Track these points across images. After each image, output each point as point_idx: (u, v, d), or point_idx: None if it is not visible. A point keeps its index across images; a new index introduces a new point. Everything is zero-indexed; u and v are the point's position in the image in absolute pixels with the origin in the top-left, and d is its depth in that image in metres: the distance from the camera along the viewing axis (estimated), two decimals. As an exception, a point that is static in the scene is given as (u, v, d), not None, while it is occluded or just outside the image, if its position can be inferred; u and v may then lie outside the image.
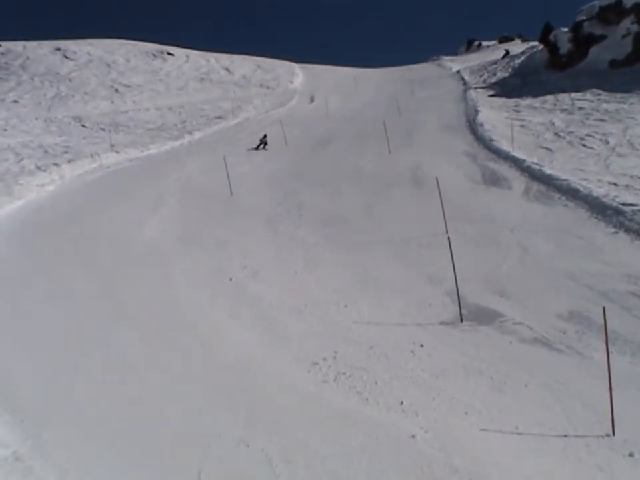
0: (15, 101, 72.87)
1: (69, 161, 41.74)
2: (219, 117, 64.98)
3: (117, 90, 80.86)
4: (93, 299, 19.92)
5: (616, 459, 11.14)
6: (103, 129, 57.37)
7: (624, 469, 10.90)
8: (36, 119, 62.72)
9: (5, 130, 54.81)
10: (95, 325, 17.93)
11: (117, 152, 46.89)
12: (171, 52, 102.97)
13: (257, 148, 47.57)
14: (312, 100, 76.88)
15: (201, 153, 47.22)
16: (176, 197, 33.48)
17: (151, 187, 35.88)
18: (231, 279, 21.23)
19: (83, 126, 59.73)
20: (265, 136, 48.48)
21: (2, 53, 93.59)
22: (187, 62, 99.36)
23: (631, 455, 11.20)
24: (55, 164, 40.26)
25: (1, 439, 12.09)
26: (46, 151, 45.62)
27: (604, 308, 11.71)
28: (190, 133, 56.74)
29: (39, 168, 38.79)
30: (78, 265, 22.95)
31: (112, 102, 74.97)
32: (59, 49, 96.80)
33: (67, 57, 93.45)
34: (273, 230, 26.89)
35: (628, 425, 11.85)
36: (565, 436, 11.85)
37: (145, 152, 48.99)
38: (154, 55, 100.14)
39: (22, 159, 41.62)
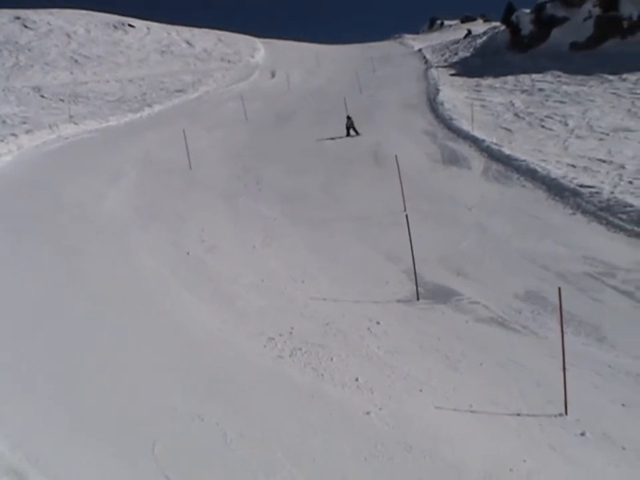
0: (-27, 70, 72.16)
1: (27, 132, 41.37)
2: (180, 90, 64.65)
3: (76, 61, 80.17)
4: (49, 269, 19.75)
5: (568, 438, 11.23)
6: (62, 100, 56.88)
7: (576, 447, 10.99)
8: (-6, 88, 62.14)
9: (-38, 99, 54.32)
10: (50, 295, 17.79)
11: (76, 123, 46.53)
12: (132, 24, 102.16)
13: (348, 135, 39.58)
14: (273, 75, 76.69)
15: (161, 126, 46.93)
16: (135, 169, 33.27)
17: (110, 159, 35.66)
18: (188, 253, 21.15)
19: (42, 96, 59.20)
20: (349, 117, 39.98)
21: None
22: (148, 34, 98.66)
23: (582, 434, 11.29)
24: (13, 134, 39.88)
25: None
26: (3, 121, 45.21)
27: (559, 288, 11.78)
28: (150, 105, 56.44)
29: (-5, 138, 38.45)
30: (34, 235, 22.73)
31: (71, 73, 74.33)
32: (18, 18, 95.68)
33: (26, 27, 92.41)
34: (232, 204, 26.82)
35: (580, 404, 11.94)
36: (519, 415, 11.93)
37: (104, 124, 48.69)
38: (115, 27, 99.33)
39: (-21, 129, 41.27)
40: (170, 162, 34.11)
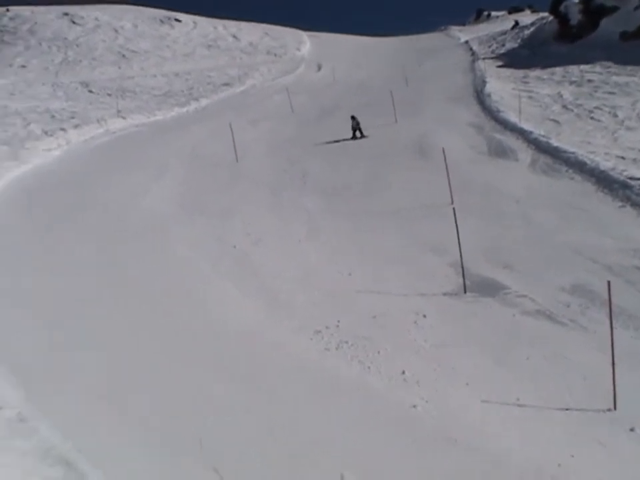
0: (23, 66, 72.76)
1: (76, 126, 41.68)
2: (226, 84, 64.75)
3: (124, 56, 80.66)
4: (95, 265, 19.88)
5: (617, 434, 11.12)
6: (109, 95, 57.22)
7: (624, 443, 10.88)
8: (43, 84, 62.58)
9: (13, 95, 54.68)
10: (96, 291, 17.90)
11: (123, 117, 46.82)
12: (179, 18, 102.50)
13: (353, 137, 37.87)
14: (319, 68, 76.58)
15: (207, 119, 47.06)
16: (181, 163, 33.39)
17: (156, 153, 35.82)
18: (234, 247, 21.17)
19: (90, 91, 59.59)
20: (353, 117, 38.19)
21: (10, 18, 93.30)
22: (194, 28, 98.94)
23: (632, 429, 11.17)
24: (62, 129, 40.20)
25: (6, 400, 12.13)
26: (53, 116, 45.53)
27: (608, 282, 11.65)
28: (196, 99, 56.62)
29: (45, 133, 38.75)
30: (82, 230, 22.90)
31: (119, 67, 74.82)
32: (66, 14, 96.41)
33: (74, 22, 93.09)
34: (277, 198, 26.85)
35: (629, 399, 11.80)
36: (566, 409, 11.83)
37: (151, 118, 48.91)
38: (161, 21, 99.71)
39: (29, 124, 41.53)
40: (216, 156, 34.20)
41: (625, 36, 59.55)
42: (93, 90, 60.17)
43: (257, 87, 64.78)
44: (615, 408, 11.70)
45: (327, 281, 18.44)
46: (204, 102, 56.32)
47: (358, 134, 38.02)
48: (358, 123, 37.81)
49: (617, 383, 11.56)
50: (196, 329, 15.68)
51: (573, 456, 10.50)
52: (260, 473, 10.36)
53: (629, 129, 32.26)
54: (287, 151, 35.36)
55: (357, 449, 10.89)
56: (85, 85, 62.74)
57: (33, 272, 19.26)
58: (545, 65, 56.18)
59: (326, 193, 26.90)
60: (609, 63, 52.19)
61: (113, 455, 10.69)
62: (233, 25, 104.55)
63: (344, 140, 36.92)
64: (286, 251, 20.86)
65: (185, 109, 53.17)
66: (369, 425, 11.59)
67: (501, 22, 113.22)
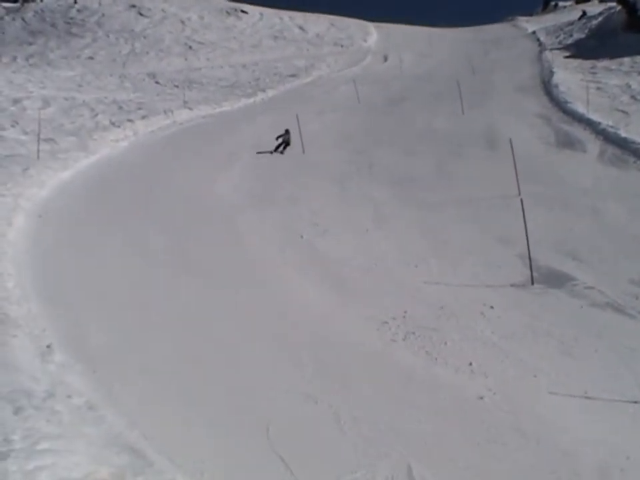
0: (90, 58, 73.52)
1: (143, 117, 41.98)
2: (293, 75, 64.80)
3: (190, 47, 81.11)
4: (165, 254, 20.02)
5: (686, 426, 11.04)
6: (176, 86, 57.45)
7: (694, 436, 10.80)
8: (110, 75, 63.13)
9: (80, 86, 55.18)
10: (166, 280, 18.04)
11: (190, 109, 47.01)
12: (245, 10, 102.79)
13: (275, 150, 34.49)
14: (385, 59, 76.40)
15: (274, 110, 47.10)
16: (248, 154, 33.50)
17: (223, 144, 35.96)
18: (302, 236, 21.26)
19: (157, 82, 59.96)
20: (287, 132, 34.83)
21: (78, 10, 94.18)
22: (260, 20, 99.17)
23: (702, 422, 11.09)
24: (129, 120, 40.51)
25: (74, 388, 12.28)
26: (120, 107, 45.89)
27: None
28: (263, 90, 56.68)
29: (112, 124, 39.08)
30: (150, 219, 23.06)
31: (185, 59, 75.26)
32: (133, 6, 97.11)
33: (141, 14, 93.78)
34: (343, 188, 26.90)
35: (700, 392, 11.73)
36: (635, 402, 11.74)
37: (218, 109, 49.05)
38: (228, 13, 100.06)
39: (96, 115, 41.90)
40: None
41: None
42: (160, 81, 60.54)
43: (324, 78, 64.73)
44: (684, 400, 11.62)
45: (394, 271, 18.47)
46: (270, 93, 56.38)
47: (281, 148, 34.65)
48: (289, 139, 34.60)
49: (686, 375, 11.49)
50: (263, 317, 15.76)
51: (642, 448, 10.46)
52: (326, 463, 10.40)
53: (698, 119, 31.89)
54: (353, 142, 35.40)
55: (424, 439, 10.91)
56: (152, 76, 63.17)
57: (104, 258, 19.46)
58: (612, 56, 55.55)
59: (392, 183, 26.92)
60: (678, 53, 51.52)
61: (179, 442, 10.79)
62: (298, 16, 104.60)
63: (410, 130, 36.86)
64: (353, 241, 20.89)
65: (251, 100, 53.25)
66: (436, 415, 11.62)
67: (569, 12, 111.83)
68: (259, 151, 32.73)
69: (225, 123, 43.54)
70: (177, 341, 14.56)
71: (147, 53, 77.13)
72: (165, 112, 44.11)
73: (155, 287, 17.50)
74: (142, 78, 62.06)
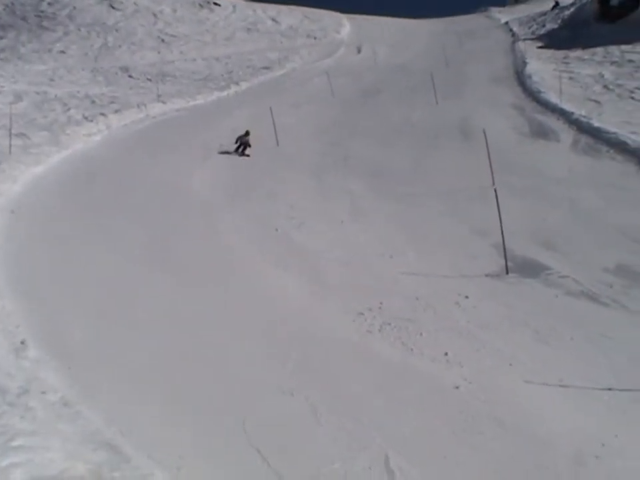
0: (62, 52, 73.05)
1: (116, 111, 41.77)
2: (266, 68, 64.65)
3: (163, 40, 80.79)
4: (141, 249, 19.92)
5: (661, 413, 11.17)
6: (149, 79, 57.19)
7: (669, 423, 10.93)
8: (83, 69, 62.75)
9: (52, 80, 54.84)
10: (143, 274, 17.97)
11: (164, 102, 46.82)
12: (218, 2, 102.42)
13: (236, 151, 33.27)
14: (359, 51, 76.36)
15: (248, 103, 47.01)
16: (223, 147, 33.40)
17: (197, 138, 35.88)
18: (277, 230, 21.27)
19: (130, 76, 59.67)
20: (247, 133, 33.32)
21: (49, 3, 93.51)
22: (233, 12, 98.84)
23: (676, 410, 11.22)
24: (102, 114, 40.29)
25: (49, 384, 12.25)
26: (93, 101, 45.66)
27: (651, 262, 11.70)
28: (236, 83, 56.50)
29: (85, 118, 38.85)
30: (126, 214, 22.94)
31: (158, 52, 74.97)
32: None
33: (113, 7, 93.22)
34: (319, 180, 26.98)
35: (674, 379, 11.85)
36: (610, 389, 11.86)
37: (192, 102, 48.88)
38: (200, 5, 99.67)
39: (69, 109, 41.63)
40: (257, 139, 34.22)
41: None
42: (133, 75, 60.25)
43: (298, 70, 64.62)
44: (658, 388, 11.74)
45: (371, 262, 18.54)
46: (244, 85, 56.21)
47: (240, 150, 33.19)
48: (248, 141, 32.95)
49: (660, 363, 11.61)
50: (241, 310, 15.76)
51: (616, 436, 10.55)
52: (303, 455, 10.44)
53: (670, 109, 32.13)
54: (328, 134, 35.45)
55: (401, 430, 10.97)
56: (125, 69, 62.86)
57: (78, 254, 19.37)
58: (585, 46, 55.78)
59: (368, 175, 27.03)
60: (650, 43, 51.79)
61: (157, 438, 10.78)
62: (271, 9, 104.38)
63: (385, 122, 36.93)
64: (329, 233, 20.95)
65: (225, 93, 53.10)
66: (413, 406, 11.68)
67: (541, 3, 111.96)
68: (221, 151, 32.42)
69: (199, 116, 43.44)
70: (154, 336, 14.52)
71: (120, 46, 76.74)
72: (138, 106, 43.92)
73: (131, 282, 17.44)
74: (115, 72, 61.74)
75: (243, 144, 33.04)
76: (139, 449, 10.33)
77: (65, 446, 9.95)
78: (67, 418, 11.00)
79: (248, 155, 32.67)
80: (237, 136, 33.14)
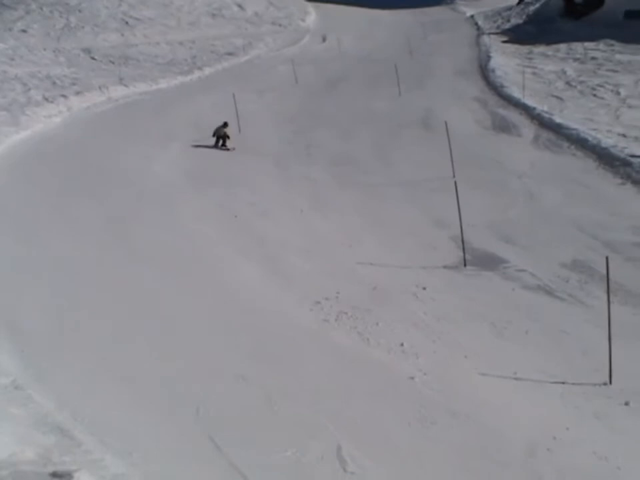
0: (24, 31, 72.23)
1: (77, 93, 41.38)
2: (230, 54, 64.33)
3: (127, 23, 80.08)
4: (100, 232, 19.80)
5: (612, 407, 11.30)
6: (112, 62, 56.80)
7: (619, 417, 11.07)
8: (44, 49, 62.14)
9: (13, 60, 54.29)
10: (101, 259, 17.85)
11: (126, 85, 46.49)
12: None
13: (215, 145, 31.46)
14: (324, 39, 76.16)
15: (211, 89, 46.79)
16: (185, 133, 33.27)
17: (159, 122, 35.66)
18: (236, 216, 21.23)
19: (92, 58, 59.22)
20: (225, 124, 31.72)
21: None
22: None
23: (626, 403, 11.36)
24: (63, 95, 39.91)
25: (2, 367, 12.19)
26: (54, 82, 45.26)
27: (607, 258, 11.79)
28: (200, 68, 56.23)
29: (46, 99, 38.49)
30: (85, 197, 22.77)
31: (122, 35, 74.34)
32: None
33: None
34: (281, 168, 26.93)
35: (626, 374, 11.98)
36: (564, 383, 11.98)
37: (154, 86, 48.58)
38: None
39: (29, 90, 41.25)
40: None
41: (630, 14, 59.29)
42: (95, 57, 59.77)
43: (262, 57, 64.36)
44: (610, 382, 11.86)
45: (330, 251, 18.57)
46: (208, 71, 55.94)
47: (224, 143, 31.40)
48: (226, 133, 31.27)
49: (613, 357, 11.71)
50: (200, 297, 15.75)
51: (568, 429, 10.66)
52: (256, 442, 10.43)
53: (631, 106, 32.45)
54: (291, 122, 35.37)
55: (355, 419, 11.00)
56: (87, 51, 62.32)
57: (36, 237, 19.23)
58: (549, 42, 56.08)
59: (331, 164, 27.06)
60: (613, 41, 52.28)
61: (109, 423, 10.73)
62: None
63: (349, 112, 36.95)
64: (290, 222, 20.97)
65: (188, 78, 52.83)
66: (368, 395, 11.72)
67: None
68: (195, 144, 31.83)
69: (161, 100, 43.16)
70: (110, 321, 14.46)
71: (82, 27, 75.98)
72: (100, 88, 43.58)
73: (89, 267, 17.32)
74: (77, 53, 61.23)
75: (220, 137, 31.66)
76: (90, 433, 10.29)
77: (16, 430, 9.87)
78: (18, 401, 10.93)
79: (229, 149, 31.22)
80: (214, 128, 31.52)
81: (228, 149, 31.19)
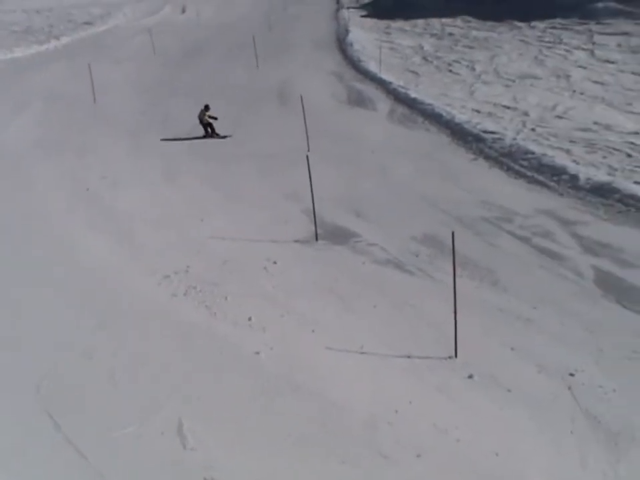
0: None
1: None
2: (88, 23, 63.16)
3: (-20, -11, 78.07)
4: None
5: (455, 380, 11.44)
6: (-37, 29, 55.38)
7: (462, 390, 11.20)
8: None
9: None
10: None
11: (-22, 53, 45.39)
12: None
13: (205, 136, 27.80)
14: (183, 10, 75.36)
15: (68, 58, 45.98)
16: (39, 101, 32.64)
17: (13, 91, 34.93)
18: (87, 189, 20.88)
19: (-57, 23, 57.59)
20: (207, 108, 27.61)
21: None
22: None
23: (470, 377, 11.50)
24: None
25: None
26: None
27: (453, 233, 11.90)
28: (57, 37, 55.11)
29: None
30: None
31: (-25, 2, 72.45)
32: None
33: None
34: (135, 140, 26.62)
35: (470, 347, 12.13)
36: (409, 357, 12.09)
37: (9, 55, 47.55)
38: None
39: None
40: (75, 95, 33.49)
41: (487, -9, 60.19)
42: (-53, 24, 58.21)
43: (120, 27, 63.40)
44: (455, 355, 12.00)
45: (181, 225, 18.43)
46: (64, 40, 54.90)
47: (213, 130, 28.11)
48: (211, 116, 27.76)
49: (459, 331, 11.84)
50: (48, 269, 15.62)
51: (410, 402, 10.77)
52: (97, 418, 10.32)
53: (485, 83, 32.89)
54: (147, 93, 35.01)
55: (198, 395, 10.99)
56: (-61, 17, 60.66)
57: None
58: (407, 17, 56.47)
59: (186, 136, 26.75)
60: (470, 18, 52.88)
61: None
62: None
63: (207, 83, 36.65)
64: (142, 194, 20.76)
65: (44, 47, 51.79)
66: (212, 370, 11.69)
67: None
68: (164, 137, 28.95)
69: (16, 69, 42.29)
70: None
71: None
72: (-50, 55, 42.38)
73: None
74: None
75: (207, 124, 27.86)
76: None
77: None
78: None
79: (224, 137, 27.63)
80: (197, 116, 27.59)
81: (220, 137, 27.76)
